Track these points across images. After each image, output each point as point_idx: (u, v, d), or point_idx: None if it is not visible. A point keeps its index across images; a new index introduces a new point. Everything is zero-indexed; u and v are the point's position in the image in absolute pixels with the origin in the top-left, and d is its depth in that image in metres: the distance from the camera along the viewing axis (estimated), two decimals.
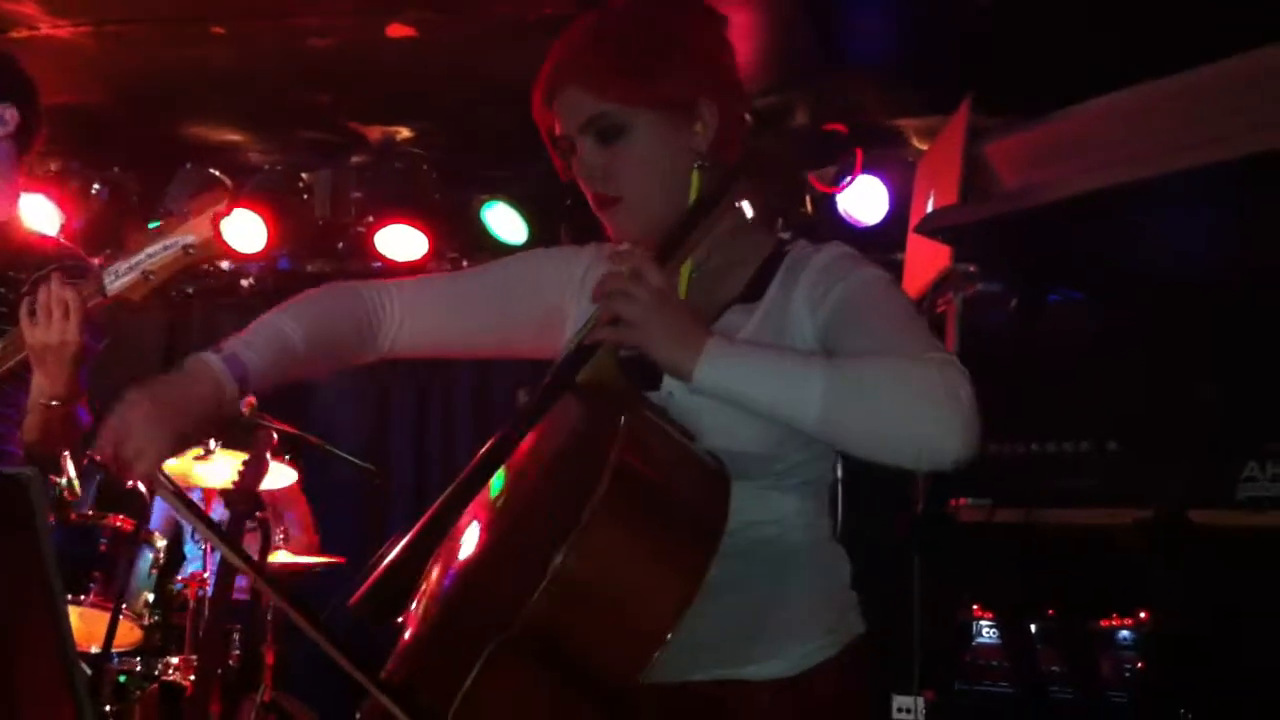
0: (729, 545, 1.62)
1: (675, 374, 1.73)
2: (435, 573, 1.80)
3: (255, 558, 4.84)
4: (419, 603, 1.80)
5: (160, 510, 5.89)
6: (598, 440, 1.64)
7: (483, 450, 1.71)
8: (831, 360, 1.72)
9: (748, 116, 1.98)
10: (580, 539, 1.51)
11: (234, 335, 1.92)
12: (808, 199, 5.65)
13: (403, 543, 1.64)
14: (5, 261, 2.93)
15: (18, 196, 3.04)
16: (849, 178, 4.66)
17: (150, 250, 2.09)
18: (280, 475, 5.17)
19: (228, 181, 6.12)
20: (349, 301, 2.04)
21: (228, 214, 2.04)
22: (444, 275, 2.18)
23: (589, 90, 1.87)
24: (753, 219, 2.02)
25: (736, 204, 2.01)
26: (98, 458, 1.75)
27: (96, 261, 3.13)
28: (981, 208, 3.03)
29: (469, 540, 1.78)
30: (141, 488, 4.89)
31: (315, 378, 2.03)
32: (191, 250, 2.09)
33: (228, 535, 1.69)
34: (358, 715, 1.77)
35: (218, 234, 2.08)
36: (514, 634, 1.49)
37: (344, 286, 2.08)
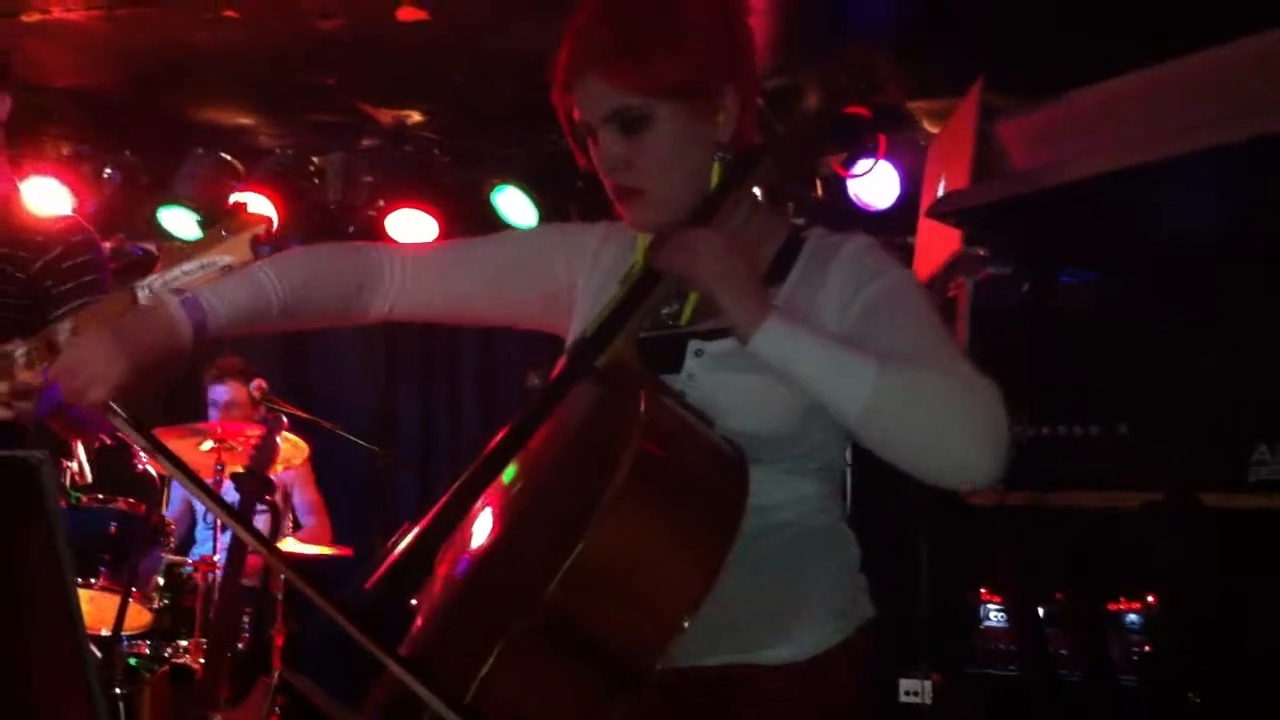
0: (744, 528, 1.61)
1: (735, 327, 1.72)
2: (448, 558, 1.79)
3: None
4: (432, 588, 1.79)
5: (176, 495, 5.92)
6: (616, 427, 1.63)
7: (500, 434, 1.70)
8: (885, 359, 1.70)
9: (759, 99, 1.96)
10: (598, 527, 1.50)
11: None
12: (818, 183, 5.64)
13: (420, 525, 1.62)
14: (7, 240, 2.93)
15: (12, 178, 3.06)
16: (871, 163, 4.62)
17: (186, 268, 2.09)
18: (290, 452, 5.19)
19: (238, 165, 6.13)
20: (348, 260, 2.02)
21: (266, 239, 2.04)
22: (457, 242, 2.14)
23: (609, 82, 1.82)
24: (763, 201, 1.99)
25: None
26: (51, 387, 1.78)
27: (109, 245, 3.14)
28: (992, 189, 3.02)
29: (482, 526, 1.78)
30: (152, 471, 4.91)
31: (297, 330, 2.03)
32: (230, 271, 2.09)
33: (206, 485, 1.67)
34: (368, 698, 1.77)
35: (256, 256, 2.07)
36: (531, 621, 1.49)
37: (347, 245, 2.07)
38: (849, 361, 1.70)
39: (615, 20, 1.83)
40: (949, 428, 1.68)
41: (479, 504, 1.77)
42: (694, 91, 1.83)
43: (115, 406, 1.75)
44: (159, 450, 1.70)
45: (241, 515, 1.59)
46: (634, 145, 1.84)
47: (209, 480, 5.24)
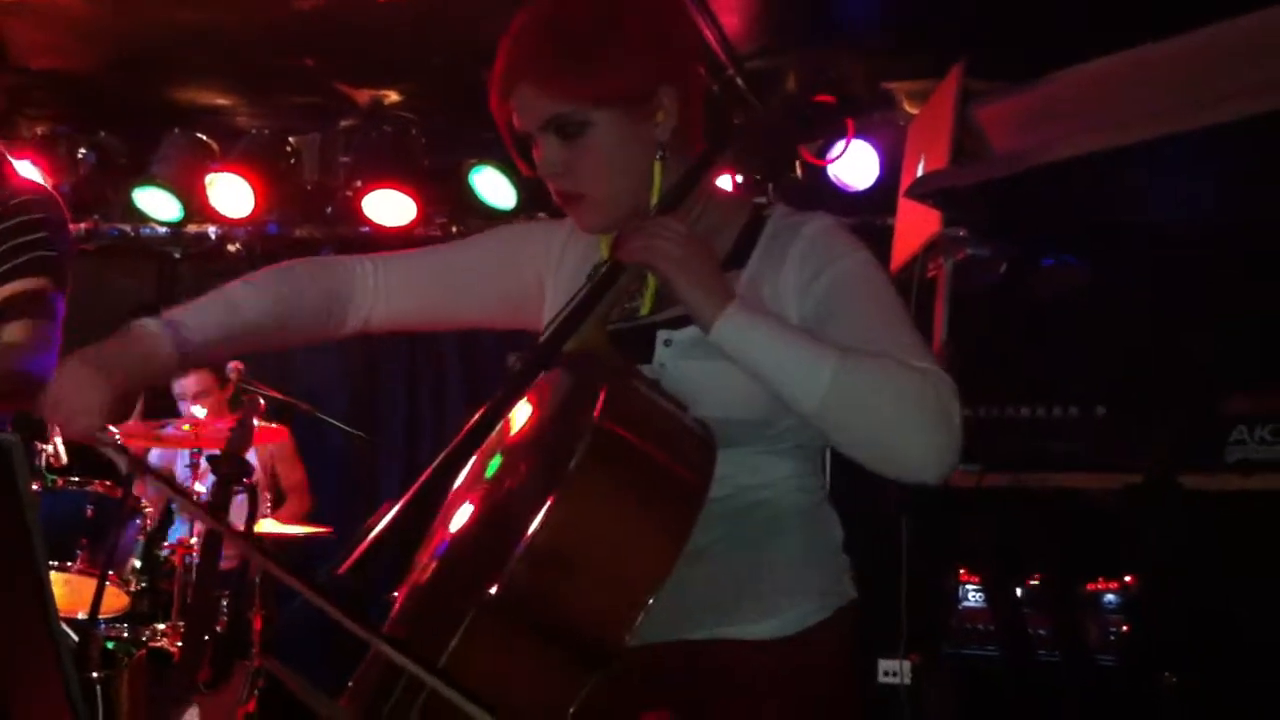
0: (724, 508, 1.61)
1: (696, 317, 1.74)
2: (429, 547, 1.81)
3: (242, 524, 4.84)
4: (412, 576, 1.80)
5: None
6: (579, 408, 1.65)
7: (470, 421, 1.69)
8: (843, 353, 1.71)
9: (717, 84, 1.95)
10: (556, 503, 1.52)
11: (192, 301, 1.97)
12: (797, 165, 5.63)
13: (391, 513, 1.63)
14: None
15: None
16: (841, 148, 4.61)
17: None
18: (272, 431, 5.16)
19: (214, 146, 6.10)
20: (321, 275, 2.05)
21: None
22: (424, 250, 2.16)
23: (543, 92, 1.82)
24: (722, 188, 1.99)
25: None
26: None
27: (84, 226, 3.10)
28: (971, 171, 3.02)
29: (460, 515, 1.79)
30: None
31: (278, 348, 2.08)
32: None
33: (180, 487, 1.71)
34: (350, 683, 1.78)
35: None
36: (494, 598, 1.50)
37: (319, 260, 2.10)
38: (806, 355, 1.71)
39: (548, 30, 1.83)
40: (900, 429, 1.69)
41: (462, 493, 1.79)
42: (630, 97, 1.84)
43: (102, 435, 1.82)
44: (146, 471, 1.77)
45: (220, 512, 1.63)
46: (572, 151, 1.85)
47: (190, 462, 5.22)
